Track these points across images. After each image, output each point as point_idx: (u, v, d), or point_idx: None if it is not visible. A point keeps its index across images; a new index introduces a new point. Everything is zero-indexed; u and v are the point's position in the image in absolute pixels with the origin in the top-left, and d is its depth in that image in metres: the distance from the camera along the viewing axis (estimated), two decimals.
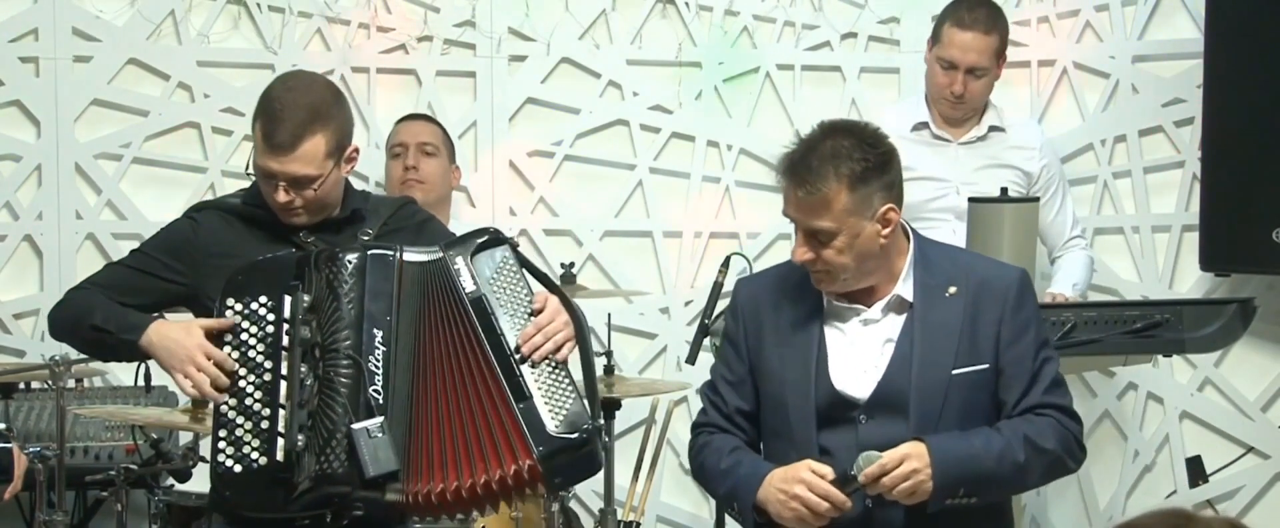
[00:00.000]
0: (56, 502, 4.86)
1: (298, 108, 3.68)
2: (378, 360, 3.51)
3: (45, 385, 5.09)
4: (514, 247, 3.64)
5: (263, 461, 3.52)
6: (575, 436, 3.50)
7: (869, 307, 3.65)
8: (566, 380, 3.55)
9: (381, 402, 3.50)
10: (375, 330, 3.53)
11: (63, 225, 5.67)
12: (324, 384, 3.51)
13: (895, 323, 3.63)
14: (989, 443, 3.58)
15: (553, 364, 3.55)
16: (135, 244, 5.59)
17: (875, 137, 3.59)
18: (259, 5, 5.75)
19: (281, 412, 3.52)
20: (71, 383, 5.02)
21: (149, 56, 5.73)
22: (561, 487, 3.66)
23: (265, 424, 3.53)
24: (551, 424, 3.50)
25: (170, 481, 4.99)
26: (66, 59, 5.67)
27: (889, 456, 3.52)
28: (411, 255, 3.60)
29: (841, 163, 3.52)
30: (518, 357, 3.54)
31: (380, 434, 3.46)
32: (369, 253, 3.58)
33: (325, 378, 3.51)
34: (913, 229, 3.71)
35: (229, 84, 5.75)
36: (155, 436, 4.97)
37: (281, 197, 3.68)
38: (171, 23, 5.73)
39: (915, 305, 3.62)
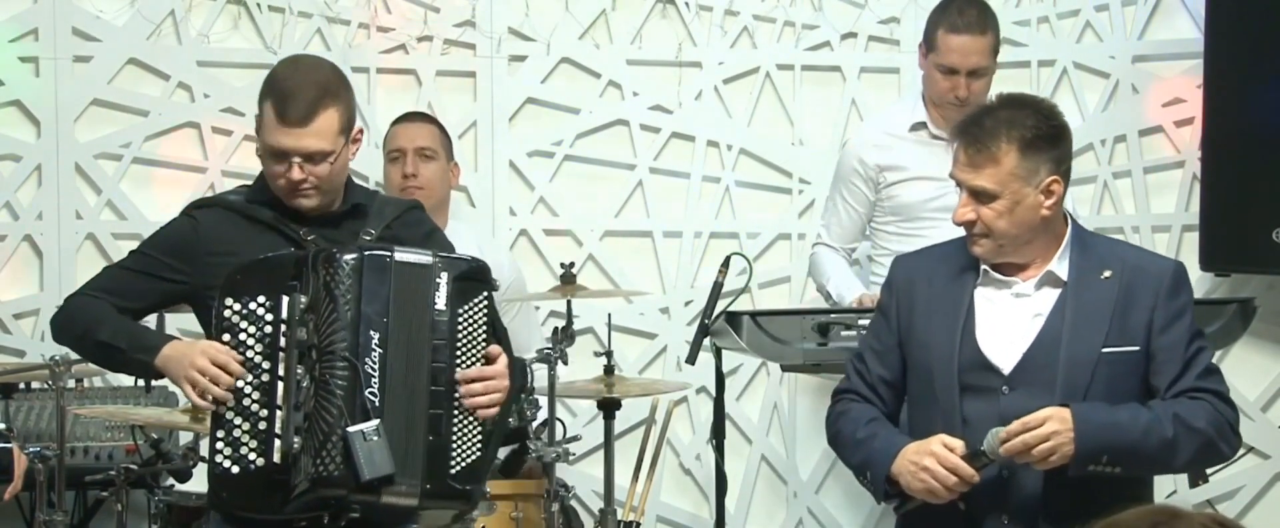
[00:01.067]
0: (56, 502, 4.86)
1: (309, 85, 3.67)
2: (374, 363, 3.51)
3: (45, 386, 5.09)
4: (492, 292, 3.66)
5: (260, 461, 3.51)
6: (465, 488, 3.56)
7: (1023, 281, 3.70)
8: (478, 434, 3.57)
9: (378, 404, 3.49)
10: (372, 333, 3.52)
11: (63, 225, 5.67)
12: (320, 386, 3.50)
13: (1047, 298, 3.69)
14: (1135, 416, 3.61)
15: (476, 415, 3.59)
16: (135, 244, 5.64)
17: (1051, 110, 3.69)
18: (259, 5, 5.75)
19: (278, 413, 3.51)
20: (71, 383, 5.02)
21: (149, 56, 5.73)
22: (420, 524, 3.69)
23: (263, 425, 3.52)
24: (451, 470, 3.54)
25: (170, 481, 4.99)
26: (66, 59, 5.67)
27: (1031, 416, 3.55)
28: (404, 255, 3.59)
29: (1015, 127, 3.60)
30: (452, 391, 3.56)
31: (376, 437, 3.46)
32: (366, 254, 3.57)
33: (321, 380, 3.50)
34: (1072, 214, 3.77)
35: (229, 84, 5.75)
36: (155, 436, 4.97)
37: (295, 174, 3.65)
38: (171, 23, 5.73)
39: (1069, 283, 3.67)
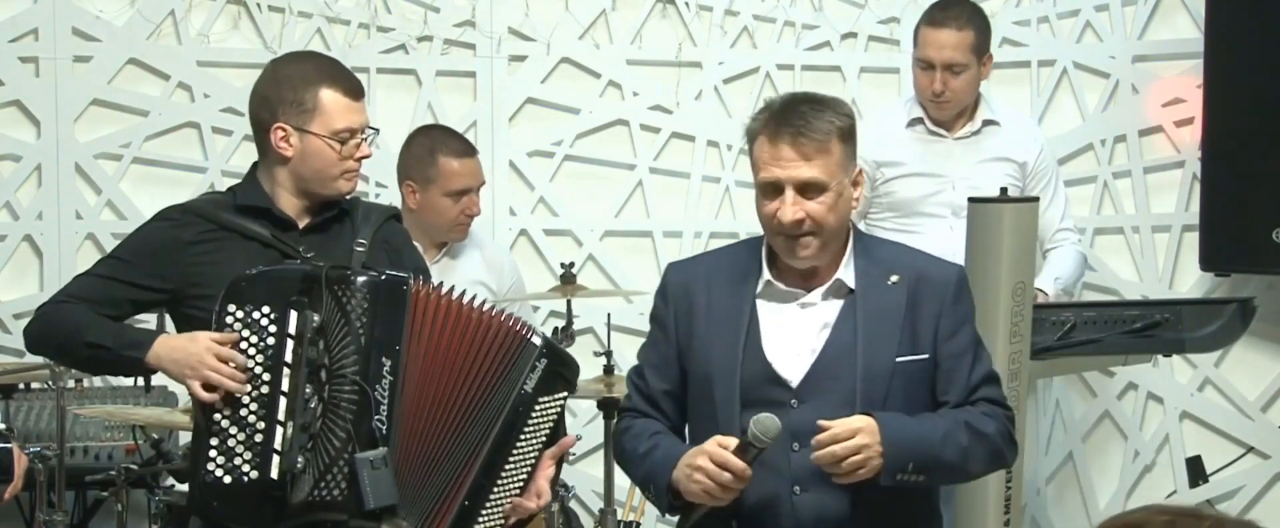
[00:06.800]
0: (56, 502, 4.87)
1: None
2: (384, 390, 3.45)
3: (45, 386, 5.10)
4: (569, 395, 3.69)
5: (254, 474, 3.44)
6: None
7: (808, 292, 3.59)
8: (500, 518, 3.58)
9: (385, 432, 3.45)
10: (384, 359, 3.46)
11: (63, 225, 5.67)
12: (329, 408, 3.45)
13: (833, 307, 3.57)
14: (934, 424, 3.53)
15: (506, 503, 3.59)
16: None
17: (842, 101, 3.63)
18: (259, 5, 5.75)
19: (279, 429, 3.44)
20: (71, 383, 5.02)
21: (149, 56, 5.73)
22: None
23: (259, 437, 3.45)
24: None
25: (170, 481, 4.99)
26: (66, 59, 5.68)
27: (841, 425, 3.44)
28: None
29: (833, 115, 3.52)
30: (498, 470, 3.56)
31: (382, 466, 3.42)
32: (383, 278, 3.52)
33: (331, 402, 3.45)
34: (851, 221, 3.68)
35: (229, 84, 5.75)
36: (155, 436, 4.98)
37: (366, 150, 3.78)
38: (171, 23, 5.73)
39: (857, 291, 3.57)
